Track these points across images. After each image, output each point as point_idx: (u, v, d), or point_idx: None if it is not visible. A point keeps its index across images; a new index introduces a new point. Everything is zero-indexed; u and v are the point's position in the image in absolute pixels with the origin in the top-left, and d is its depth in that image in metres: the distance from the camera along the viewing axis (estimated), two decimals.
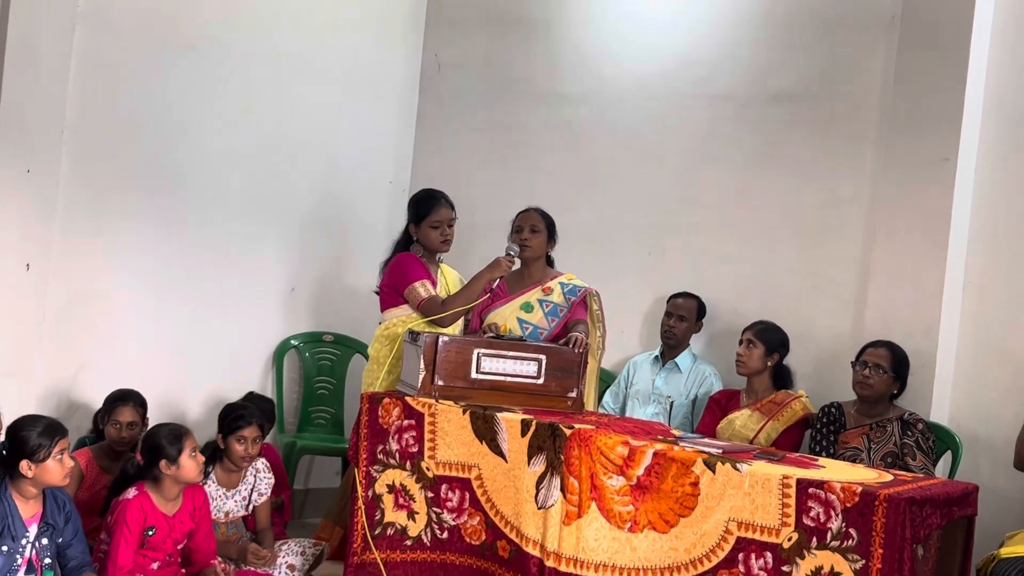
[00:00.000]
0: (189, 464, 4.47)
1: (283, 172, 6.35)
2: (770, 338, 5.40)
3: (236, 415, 4.99)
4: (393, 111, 7.00)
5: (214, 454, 4.93)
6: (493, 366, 4.67)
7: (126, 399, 5.13)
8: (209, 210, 6.00)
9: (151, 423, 5.40)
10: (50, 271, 5.28)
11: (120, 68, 5.55)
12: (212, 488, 4.92)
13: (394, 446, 4.61)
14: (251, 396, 5.78)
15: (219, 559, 4.76)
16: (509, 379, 4.68)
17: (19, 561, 4.01)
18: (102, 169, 5.49)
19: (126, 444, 5.07)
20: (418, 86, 7.10)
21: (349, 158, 6.72)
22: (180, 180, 5.86)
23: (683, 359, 5.87)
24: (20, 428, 4.07)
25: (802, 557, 3.78)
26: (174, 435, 4.47)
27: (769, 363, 5.39)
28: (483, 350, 4.66)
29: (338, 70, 6.61)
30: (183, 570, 4.63)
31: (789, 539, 3.81)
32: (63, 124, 5.28)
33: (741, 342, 5.43)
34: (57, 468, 4.05)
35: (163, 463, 4.44)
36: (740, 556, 3.91)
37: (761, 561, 3.87)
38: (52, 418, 4.20)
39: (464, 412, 4.52)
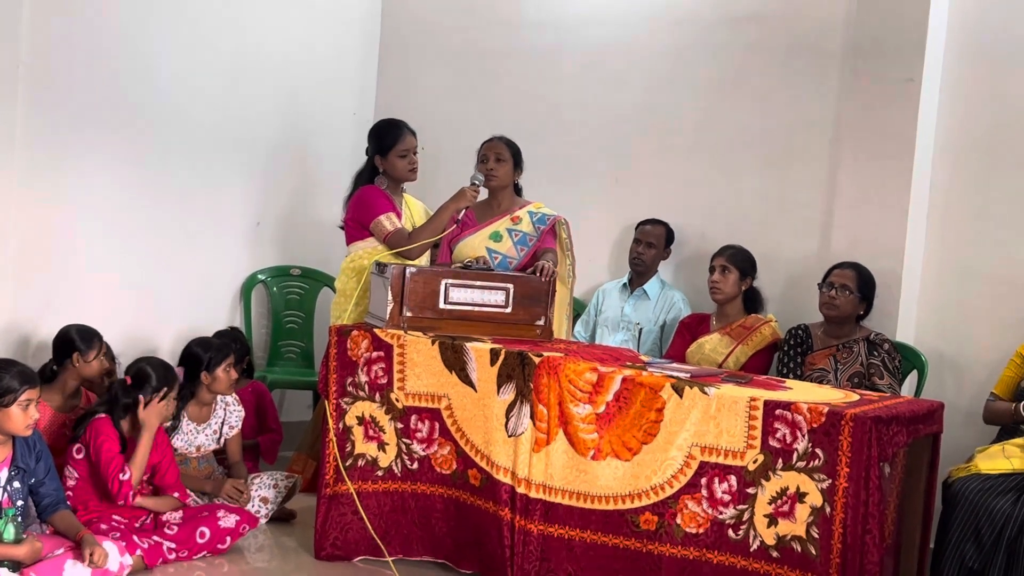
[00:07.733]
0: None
1: (245, 104, 6.26)
2: (742, 262, 5.41)
3: (218, 346, 5.04)
4: (355, 40, 6.91)
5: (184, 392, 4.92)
6: (461, 296, 4.67)
7: (98, 335, 4.95)
8: (171, 143, 5.91)
9: (120, 360, 5.37)
10: (11, 208, 5.21)
11: (76, 0, 5.45)
12: (184, 423, 4.93)
13: (363, 378, 4.62)
14: (219, 334, 5.75)
15: (191, 494, 4.78)
16: (477, 309, 4.68)
17: None
18: (61, 104, 5.39)
19: (102, 380, 4.96)
20: (380, 14, 7.01)
21: (311, 89, 6.64)
22: (140, 114, 5.77)
23: (651, 286, 5.88)
24: None
25: (767, 479, 3.82)
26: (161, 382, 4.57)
27: (743, 287, 5.41)
28: (451, 280, 4.65)
29: None
30: None
31: (755, 461, 3.85)
32: (19, 60, 5.18)
33: (713, 269, 5.43)
34: (20, 416, 3.98)
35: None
36: (703, 480, 3.95)
37: (725, 484, 3.91)
38: (28, 367, 4.15)
39: (433, 343, 4.52)
